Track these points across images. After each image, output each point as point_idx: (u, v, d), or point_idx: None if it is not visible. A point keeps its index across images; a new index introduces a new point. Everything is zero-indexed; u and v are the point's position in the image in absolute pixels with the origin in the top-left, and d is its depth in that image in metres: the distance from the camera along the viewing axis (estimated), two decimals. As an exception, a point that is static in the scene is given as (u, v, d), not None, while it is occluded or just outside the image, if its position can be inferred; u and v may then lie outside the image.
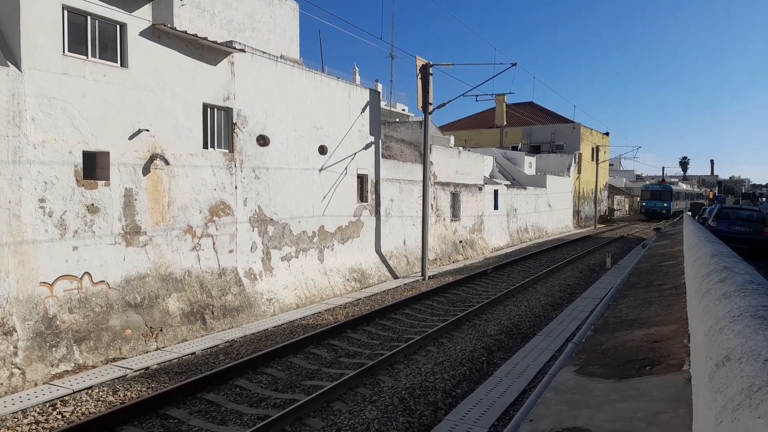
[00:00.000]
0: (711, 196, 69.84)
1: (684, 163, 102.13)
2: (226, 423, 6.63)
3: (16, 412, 6.76)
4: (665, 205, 50.88)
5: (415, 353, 9.26)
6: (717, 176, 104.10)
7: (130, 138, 9.68)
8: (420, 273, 17.36)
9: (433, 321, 11.69)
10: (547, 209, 34.53)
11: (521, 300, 13.82)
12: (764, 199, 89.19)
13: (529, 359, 8.77)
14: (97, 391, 7.48)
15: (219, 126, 11.69)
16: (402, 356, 9.00)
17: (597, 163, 46.45)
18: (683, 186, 68.16)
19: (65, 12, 8.70)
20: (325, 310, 12.60)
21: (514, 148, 42.05)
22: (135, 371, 8.25)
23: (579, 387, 4.49)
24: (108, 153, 9.34)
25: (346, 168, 15.61)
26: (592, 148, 47.00)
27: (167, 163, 10.33)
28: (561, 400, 4.22)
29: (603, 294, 12.96)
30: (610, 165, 58.46)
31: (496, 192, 26.97)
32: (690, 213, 37.83)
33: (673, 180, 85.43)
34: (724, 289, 4.03)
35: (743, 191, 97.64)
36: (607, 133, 52.27)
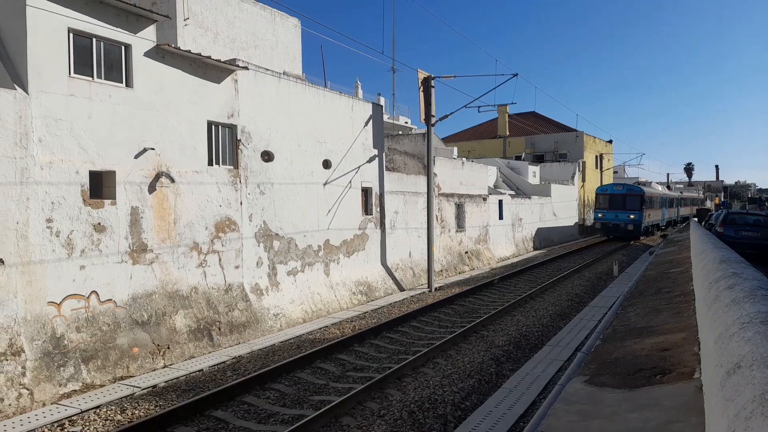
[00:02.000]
0: (717, 201, 68.72)
1: (689, 169, 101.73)
2: (235, 440, 6.59)
3: (24, 433, 6.74)
4: (632, 216, 32.96)
5: (423, 366, 9.20)
6: (722, 181, 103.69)
7: (136, 157, 9.76)
8: (426, 285, 17.31)
9: (440, 333, 11.63)
10: (552, 218, 34.43)
11: (529, 310, 13.74)
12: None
13: (538, 370, 8.70)
14: (105, 410, 7.46)
15: (223, 143, 11.78)
16: (410, 369, 8.95)
17: (601, 171, 46.41)
18: (659, 188, 47.36)
19: (71, 34, 8.83)
20: (332, 324, 12.56)
21: (518, 158, 42.09)
22: (143, 389, 8.23)
23: (589, 397, 4.46)
24: (114, 172, 9.42)
25: (350, 181, 15.66)
26: (596, 156, 46.99)
27: (173, 180, 10.40)
28: (571, 410, 4.18)
29: (611, 302, 12.88)
30: (615, 172, 57.97)
31: (500, 202, 26.94)
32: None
33: (678, 186, 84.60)
34: (733, 296, 4.00)
35: (749, 196, 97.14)
36: (610, 141, 52.27)
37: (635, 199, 33.35)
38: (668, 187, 63.17)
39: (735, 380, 2.48)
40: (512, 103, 20.75)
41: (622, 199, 33.58)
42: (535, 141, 46.64)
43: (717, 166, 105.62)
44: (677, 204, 48.48)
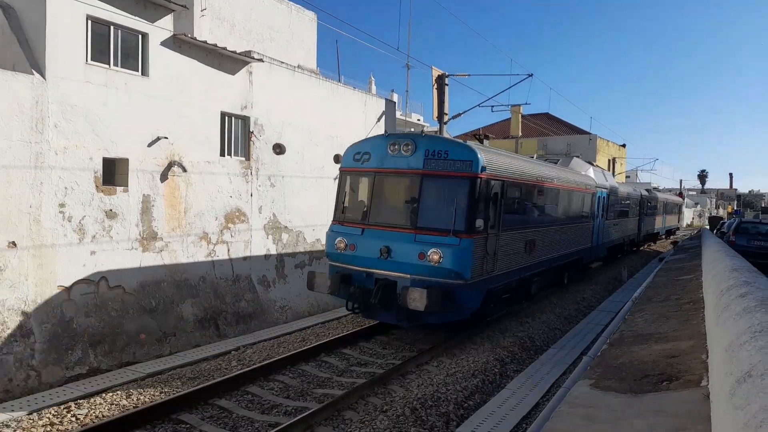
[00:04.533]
0: (730, 210, 67.56)
1: (702, 176, 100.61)
2: (238, 429, 6.63)
3: (31, 413, 6.83)
4: (434, 254, 8.39)
5: (427, 363, 9.19)
6: (736, 190, 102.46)
7: (149, 145, 9.82)
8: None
9: (446, 331, 11.61)
10: (562, 221, 34.09)
11: (535, 312, 13.68)
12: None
13: (542, 372, 8.66)
14: (111, 394, 7.53)
15: (236, 134, 11.82)
16: (414, 366, 8.94)
17: (613, 175, 46.08)
18: (588, 172, 17.19)
19: (89, 22, 8.90)
20: (338, 319, 12.58)
21: (530, 159, 41.77)
22: (148, 375, 8.30)
23: (594, 401, 4.43)
24: (127, 160, 9.48)
25: (360, 177, 15.63)
26: (609, 160, 46.66)
27: (184, 170, 10.45)
28: (576, 414, 4.16)
29: (619, 307, 12.79)
30: (627, 177, 57.45)
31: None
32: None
33: (690, 193, 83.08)
34: (744, 304, 3.96)
35: (763, 205, 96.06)
36: (623, 145, 51.89)
37: (454, 189, 8.80)
38: (680, 194, 60.10)
39: (745, 389, 2.45)
40: (526, 104, 20.69)
41: (410, 187, 9.12)
42: (548, 142, 46.36)
43: (731, 174, 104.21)
44: (641, 211, 27.09)
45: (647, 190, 33.43)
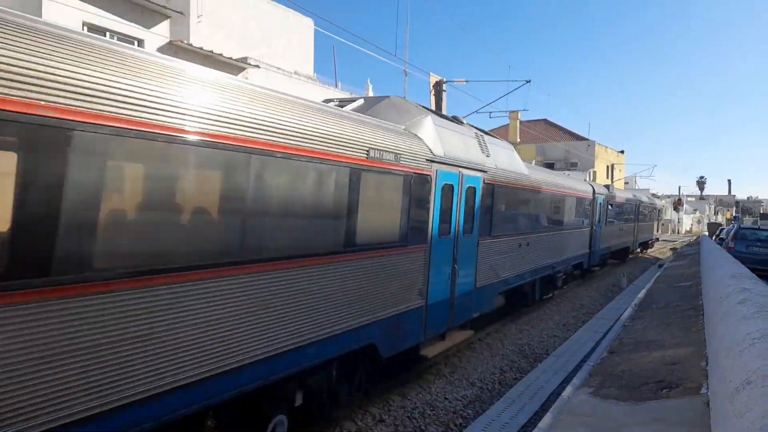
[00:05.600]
0: (729, 216, 67.60)
1: (701, 183, 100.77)
2: (233, 439, 6.54)
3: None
4: None
5: (425, 372, 9.13)
6: (734, 196, 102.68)
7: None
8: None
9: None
10: (560, 227, 33.94)
11: (533, 319, 13.63)
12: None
13: (542, 380, 8.60)
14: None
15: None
16: (412, 375, 8.87)
17: (612, 182, 46.17)
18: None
19: (85, 28, 8.89)
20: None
21: (528, 166, 41.82)
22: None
23: (595, 409, 4.38)
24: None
25: (358, 184, 15.56)
26: (607, 167, 46.80)
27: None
28: (576, 422, 4.11)
29: (618, 314, 12.75)
30: (626, 183, 57.50)
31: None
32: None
33: (690, 199, 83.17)
34: (743, 311, 3.92)
35: (761, 211, 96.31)
36: (622, 151, 52.07)
37: None
38: (679, 201, 59.67)
39: (745, 396, 2.41)
40: (524, 110, 20.69)
41: None
42: (546, 149, 46.49)
43: (729, 181, 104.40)
44: (593, 217, 18.66)
45: (606, 186, 22.21)
